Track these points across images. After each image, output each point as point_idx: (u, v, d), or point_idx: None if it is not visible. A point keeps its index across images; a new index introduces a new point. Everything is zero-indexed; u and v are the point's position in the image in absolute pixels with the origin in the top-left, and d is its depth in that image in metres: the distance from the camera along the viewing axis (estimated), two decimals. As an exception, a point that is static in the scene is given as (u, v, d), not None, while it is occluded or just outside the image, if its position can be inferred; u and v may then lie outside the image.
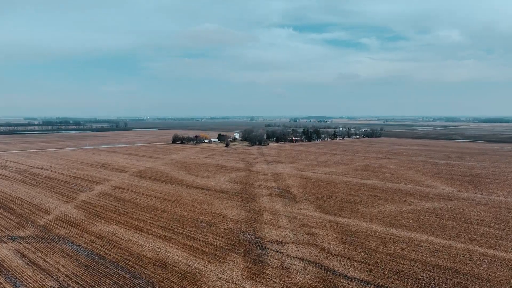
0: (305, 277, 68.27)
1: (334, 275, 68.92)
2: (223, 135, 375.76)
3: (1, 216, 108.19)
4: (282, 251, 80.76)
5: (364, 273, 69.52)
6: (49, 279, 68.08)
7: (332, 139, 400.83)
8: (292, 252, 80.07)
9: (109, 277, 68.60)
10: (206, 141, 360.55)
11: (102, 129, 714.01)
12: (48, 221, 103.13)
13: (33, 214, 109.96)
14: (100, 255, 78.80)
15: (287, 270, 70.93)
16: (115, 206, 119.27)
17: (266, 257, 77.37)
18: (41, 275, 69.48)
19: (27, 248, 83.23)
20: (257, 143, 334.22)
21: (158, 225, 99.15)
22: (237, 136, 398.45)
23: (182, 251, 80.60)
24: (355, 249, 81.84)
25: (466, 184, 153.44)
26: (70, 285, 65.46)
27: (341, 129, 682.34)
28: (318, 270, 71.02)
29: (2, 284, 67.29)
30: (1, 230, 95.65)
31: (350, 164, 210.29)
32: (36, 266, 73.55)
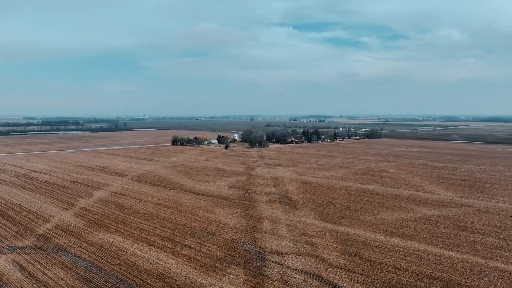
0: (305, 291, 67.95)
1: (334, 289, 68.62)
2: (222, 136, 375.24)
3: (0, 224, 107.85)
4: (282, 262, 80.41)
5: (364, 287, 69.21)
6: (48, 293, 67.75)
7: (332, 140, 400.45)
8: (292, 263, 79.72)
9: (108, 292, 68.27)
10: (206, 142, 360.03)
11: (102, 129, 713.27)
12: (47, 230, 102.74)
13: (32, 222, 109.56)
14: (99, 267, 78.41)
15: (287, 283, 70.58)
16: (115, 213, 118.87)
17: (266, 269, 77.03)
18: (40, 290, 69.13)
19: (26, 259, 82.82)
20: (257, 144, 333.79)
21: (158, 234, 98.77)
22: (236, 138, 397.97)
23: (182, 263, 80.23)
24: (356, 260, 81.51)
25: (467, 189, 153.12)
26: (69, 300, 65.13)
27: (341, 129, 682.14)
28: (318, 283, 70.68)
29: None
30: (0, 240, 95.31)
31: (350, 168, 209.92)
32: (35, 279, 73.15)
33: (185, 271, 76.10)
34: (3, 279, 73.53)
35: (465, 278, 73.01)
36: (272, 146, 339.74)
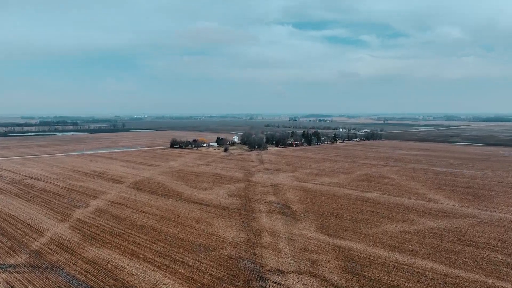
0: (307, 317, 65.33)
1: (337, 315, 66.01)
2: (221, 138, 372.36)
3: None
4: (283, 282, 77.78)
5: (368, 312, 66.63)
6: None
7: (333, 143, 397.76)
8: (293, 284, 77.09)
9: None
10: (205, 145, 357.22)
11: (100, 130, 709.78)
12: (41, 245, 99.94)
13: (26, 236, 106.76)
14: (93, 289, 75.77)
15: (289, 308, 67.98)
16: (111, 226, 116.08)
17: (267, 291, 74.45)
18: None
19: (18, 279, 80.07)
20: (256, 147, 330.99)
21: (155, 250, 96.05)
22: (236, 140, 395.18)
23: (180, 284, 77.56)
24: (358, 280, 78.92)
25: (470, 197, 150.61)
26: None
27: (341, 129, 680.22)
28: (320, 308, 68.08)
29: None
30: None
31: (351, 173, 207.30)
32: (26, 303, 70.48)
33: (183, 294, 73.50)
34: (-7, 303, 70.91)
35: (472, 301, 70.50)
36: (271, 149, 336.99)
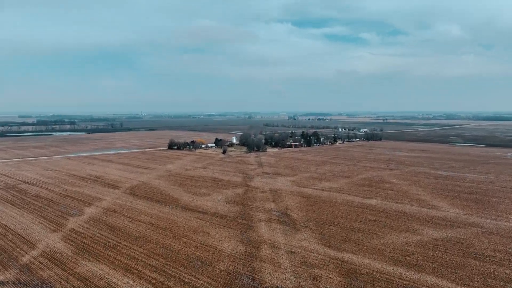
0: None
1: None
2: (220, 139, 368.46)
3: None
4: (283, 302, 74.42)
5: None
6: None
7: (332, 144, 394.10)
8: (293, 304, 73.73)
9: None
10: (203, 146, 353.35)
11: (97, 130, 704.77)
12: (32, 259, 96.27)
13: (17, 249, 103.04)
14: (84, 310, 72.18)
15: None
16: (105, 236, 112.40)
17: (266, 312, 71.01)
18: None
19: (6, 299, 76.59)
20: (255, 149, 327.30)
21: (150, 264, 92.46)
22: (234, 141, 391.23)
23: (174, 304, 74.11)
24: (362, 299, 75.59)
25: (473, 204, 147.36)
26: None
27: (340, 129, 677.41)
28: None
29: None
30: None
31: (351, 177, 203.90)
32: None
33: (178, 315, 70.02)
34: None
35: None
36: (270, 150, 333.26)
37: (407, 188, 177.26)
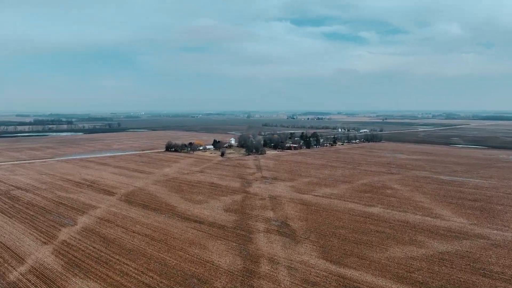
0: None
1: None
2: (218, 141, 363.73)
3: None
4: (283, 327, 70.17)
5: None
6: None
7: (332, 145, 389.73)
8: (294, 329, 69.49)
9: None
10: (201, 148, 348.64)
11: (95, 130, 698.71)
12: (19, 276, 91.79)
13: (5, 264, 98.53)
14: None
15: None
16: (98, 249, 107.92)
17: None
18: None
19: (-11, 323, 72.18)
20: (254, 151, 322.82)
21: (143, 282, 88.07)
22: (233, 142, 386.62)
23: (168, 329, 69.81)
24: (367, 323, 71.39)
25: (478, 213, 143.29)
26: None
27: (340, 130, 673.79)
28: None
29: None
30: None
31: (352, 183, 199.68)
32: None
33: None
34: None
35: None
36: (269, 152, 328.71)
37: (409, 194, 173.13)
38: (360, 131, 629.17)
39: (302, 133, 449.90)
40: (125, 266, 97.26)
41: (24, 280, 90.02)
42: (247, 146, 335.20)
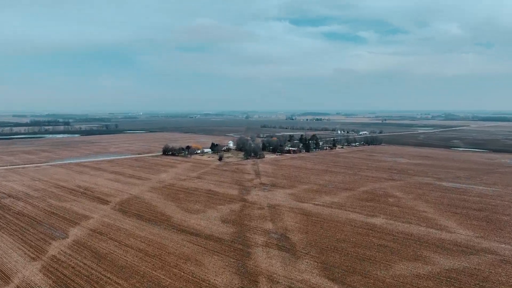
0: None
1: None
2: (216, 145, 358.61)
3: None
4: None
5: None
6: None
7: (332, 149, 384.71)
8: None
9: None
10: (199, 151, 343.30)
11: (92, 132, 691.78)
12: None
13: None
14: None
15: None
16: (88, 266, 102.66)
17: None
18: None
19: None
20: (253, 154, 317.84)
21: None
22: (231, 145, 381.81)
23: None
24: None
25: (484, 224, 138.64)
26: None
27: (339, 132, 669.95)
28: None
29: None
30: None
31: (353, 190, 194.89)
32: None
33: None
34: None
35: None
36: (268, 156, 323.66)
37: (412, 203, 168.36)
38: (360, 133, 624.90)
39: (301, 135, 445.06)
40: (116, 286, 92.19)
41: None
42: (246, 149, 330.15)
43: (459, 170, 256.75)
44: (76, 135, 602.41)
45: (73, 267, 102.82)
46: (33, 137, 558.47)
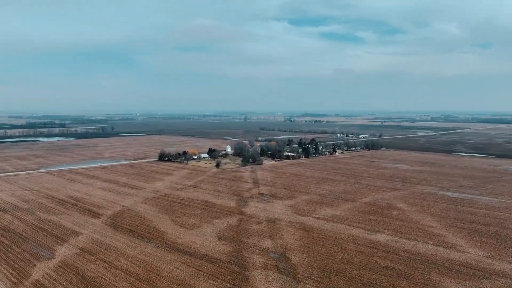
0: None
1: None
2: (213, 150, 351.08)
3: None
4: None
5: None
6: None
7: (331, 154, 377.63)
8: None
9: None
10: (195, 157, 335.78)
11: (87, 135, 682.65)
12: (-23, 333, 79.29)
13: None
14: None
15: None
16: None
17: None
18: None
19: None
20: (251, 160, 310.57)
21: None
22: (229, 150, 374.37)
23: None
24: None
25: (494, 242, 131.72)
26: None
27: (339, 135, 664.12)
28: None
29: None
30: None
31: (355, 201, 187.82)
32: None
33: None
34: None
35: None
36: (267, 162, 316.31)
37: (417, 217, 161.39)
38: (360, 136, 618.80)
39: (300, 139, 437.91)
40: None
41: None
42: (244, 155, 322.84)
43: (463, 178, 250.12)
44: (72, 139, 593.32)
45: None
46: (27, 141, 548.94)
